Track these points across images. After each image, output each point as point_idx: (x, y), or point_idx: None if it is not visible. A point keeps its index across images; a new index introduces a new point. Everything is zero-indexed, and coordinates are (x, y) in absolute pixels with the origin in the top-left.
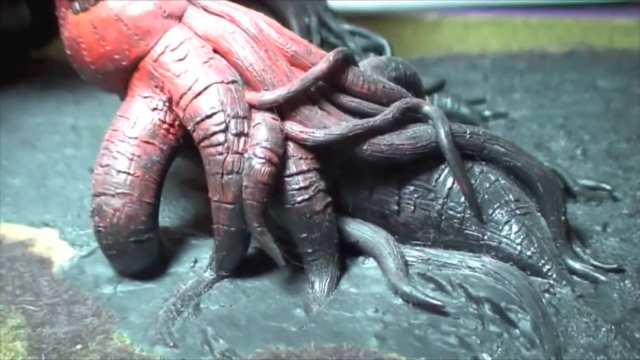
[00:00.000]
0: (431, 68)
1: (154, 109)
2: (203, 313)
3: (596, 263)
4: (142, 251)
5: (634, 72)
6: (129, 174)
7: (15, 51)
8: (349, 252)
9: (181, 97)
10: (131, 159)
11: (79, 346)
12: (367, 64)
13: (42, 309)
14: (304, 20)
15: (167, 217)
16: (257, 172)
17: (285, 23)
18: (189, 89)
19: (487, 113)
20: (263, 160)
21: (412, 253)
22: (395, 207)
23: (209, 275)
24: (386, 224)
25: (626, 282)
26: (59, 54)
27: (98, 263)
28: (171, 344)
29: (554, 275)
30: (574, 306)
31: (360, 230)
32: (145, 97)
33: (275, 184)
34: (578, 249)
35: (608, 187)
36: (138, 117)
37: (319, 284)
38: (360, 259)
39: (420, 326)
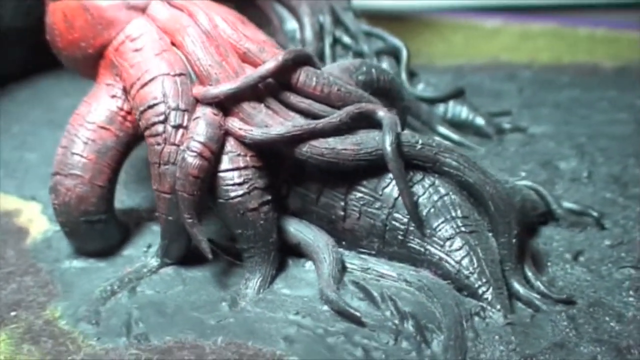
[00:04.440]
0: (467, 76)
1: (113, 97)
2: (137, 297)
3: (545, 291)
4: (93, 232)
5: None
6: (82, 156)
7: None
8: (293, 253)
9: (131, 86)
10: (86, 143)
11: (13, 313)
12: (336, 66)
13: None
14: (318, 18)
15: (140, 199)
16: (188, 165)
17: (299, 21)
18: (138, 79)
19: (506, 126)
20: (195, 154)
21: (354, 261)
22: (341, 213)
23: (154, 261)
24: (334, 229)
25: (565, 314)
26: None
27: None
28: (94, 321)
29: (489, 299)
30: (497, 333)
31: (303, 232)
32: (108, 85)
33: (207, 178)
34: (530, 274)
35: (594, 214)
36: (98, 104)
37: (251, 281)
38: (302, 261)
39: (335, 334)
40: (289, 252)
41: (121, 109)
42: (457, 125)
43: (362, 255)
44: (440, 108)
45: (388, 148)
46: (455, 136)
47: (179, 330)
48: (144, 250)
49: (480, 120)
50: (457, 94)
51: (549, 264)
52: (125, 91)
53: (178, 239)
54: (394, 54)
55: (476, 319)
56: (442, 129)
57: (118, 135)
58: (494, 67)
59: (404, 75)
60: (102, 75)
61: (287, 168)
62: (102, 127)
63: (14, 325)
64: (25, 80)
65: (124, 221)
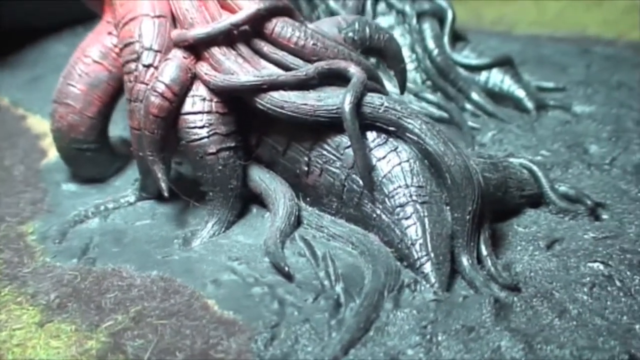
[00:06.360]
0: (540, 47)
1: (110, 34)
2: (106, 224)
3: (493, 274)
4: (83, 159)
5: None
6: (75, 87)
7: None
8: (261, 203)
9: (118, 24)
10: (80, 75)
11: None
12: (327, 20)
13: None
14: None
15: None
16: (150, 104)
17: None
18: (123, 17)
19: (550, 102)
20: (157, 94)
21: (312, 218)
22: (305, 168)
23: (132, 194)
24: (298, 184)
25: (494, 300)
26: None
27: None
28: (57, 241)
29: (425, 272)
30: (419, 308)
31: (266, 182)
32: (107, 22)
33: (169, 118)
34: (485, 254)
35: (589, 202)
36: (97, 39)
37: (208, 224)
38: (265, 211)
39: (262, 285)
40: (258, 202)
41: (115, 46)
42: (497, 96)
43: (323, 214)
44: (482, 77)
45: (346, 107)
46: (489, 106)
47: (124, 260)
48: (132, 183)
49: (520, 93)
50: (499, 63)
51: (518, 248)
52: (116, 28)
53: (149, 175)
54: (438, 16)
55: (406, 290)
56: (477, 98)
57: (111, 70)
58: (574, 40)
59: (446, 39)
60: (105, 13)
61: (259, 118)
62: (96, 62)
63: None
64: None
65: (124, 152)
